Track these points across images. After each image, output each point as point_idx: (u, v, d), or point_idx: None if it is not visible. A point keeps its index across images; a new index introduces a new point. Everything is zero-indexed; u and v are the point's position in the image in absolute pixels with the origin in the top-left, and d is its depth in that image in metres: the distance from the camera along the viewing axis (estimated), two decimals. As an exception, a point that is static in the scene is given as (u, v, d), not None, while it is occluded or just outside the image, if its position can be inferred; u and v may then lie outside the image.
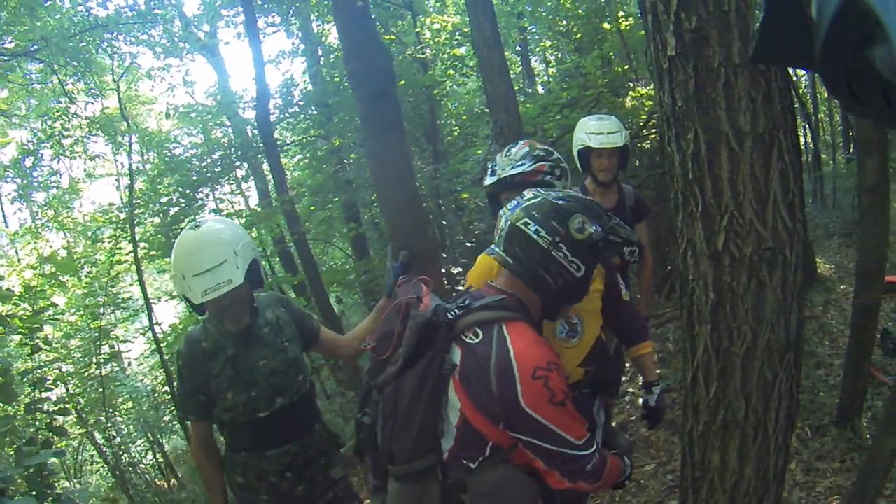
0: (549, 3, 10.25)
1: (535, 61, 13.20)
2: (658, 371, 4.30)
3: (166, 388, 9.06)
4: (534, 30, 11.55)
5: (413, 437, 1.60)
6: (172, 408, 9.13)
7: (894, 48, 0.46)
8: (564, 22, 10.10)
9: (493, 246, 1.75)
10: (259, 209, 9.32)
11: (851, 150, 9.03)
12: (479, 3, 5.01)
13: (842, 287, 6.09)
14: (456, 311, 1.63)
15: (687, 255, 1.47)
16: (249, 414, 2.39)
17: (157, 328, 9.27)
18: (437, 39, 9.32)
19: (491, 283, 1.74)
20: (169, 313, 12.74)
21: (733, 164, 1.35)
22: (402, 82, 7.87)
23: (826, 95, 12.14)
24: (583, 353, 2.12)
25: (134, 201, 9.05)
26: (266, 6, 9.05)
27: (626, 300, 2.35)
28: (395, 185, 3.43)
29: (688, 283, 1.49)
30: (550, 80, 12.32)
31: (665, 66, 1.41)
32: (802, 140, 10.98)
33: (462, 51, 9.30)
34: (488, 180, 2.35)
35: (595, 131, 3.22)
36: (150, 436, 10.16)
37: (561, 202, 1.62)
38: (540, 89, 11.85)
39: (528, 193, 1.71)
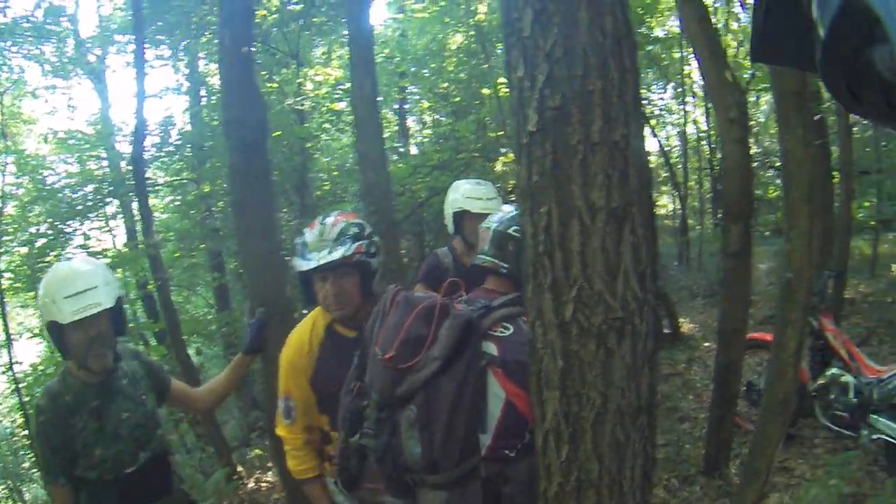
0: (432, 66, 10.45)
1: (412, 121, 13.25)
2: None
3: (25, 432, 8.29)
4: (415, 89, 11.65)
5: (460, 438, 1.64)
6: (32, 454, 8.35)
7: (895, 48, 0.47)
8: (445, 84, 10.32)
9: (478, 255, 2.01)
10: (125, 250, 8.87)
11: (719, 215, 9.73)
12: (361, 62, 5.10)
13: (705, 345, 6.49)
14: (476, 311, 1.77)
15: (535, 323, 1.52)
16: (117, 470, 2.29)
17: (16, 367, 8.50)
18: (317, 92, 9.23)
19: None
20: (30, 352, 11.68)
21: (584, 238, 1.42)
22: (279, 133, 7.78)
23: (696, 164, 13.14)
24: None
25: (2, 227, 8.38)
26: (158, 38, 8.73)
27: None
28: (257, 237, 3.36)
29: (536, 350, 1.54)
30: (425, 140, 12.37)
31: (525, 140, 1.47)
32: (672, 207, 11.72)
33: (341, 105, 9.17)
34: (304, 265, 2.17)
35: (474, 196, 3.34)
36: (9, 483, 9.27)
37: None
38: (413, 149, 11.90)
39: (506, 207, 2.13)
